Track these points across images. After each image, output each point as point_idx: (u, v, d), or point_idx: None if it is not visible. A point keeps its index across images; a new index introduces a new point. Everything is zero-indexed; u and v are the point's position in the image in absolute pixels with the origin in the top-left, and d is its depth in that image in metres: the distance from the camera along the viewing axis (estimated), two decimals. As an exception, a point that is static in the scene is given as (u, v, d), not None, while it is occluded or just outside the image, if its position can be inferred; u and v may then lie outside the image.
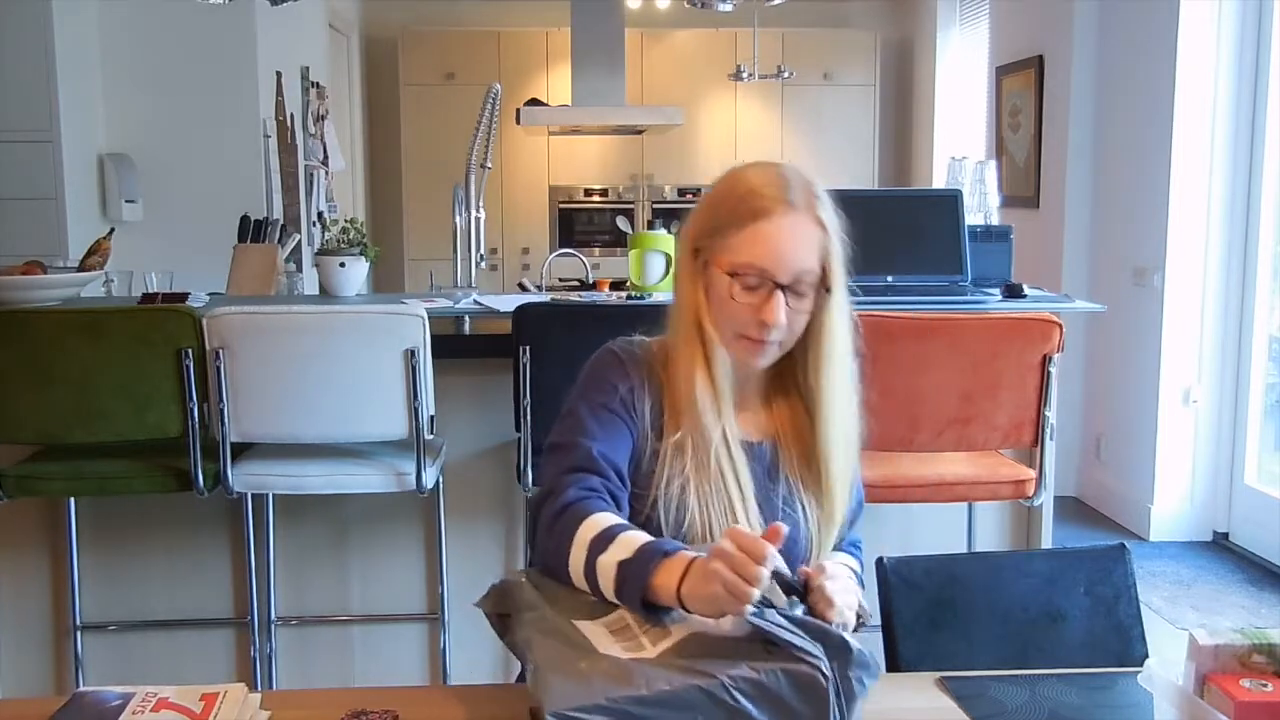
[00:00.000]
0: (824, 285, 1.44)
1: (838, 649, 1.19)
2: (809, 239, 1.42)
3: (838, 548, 1.56)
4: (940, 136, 6.97)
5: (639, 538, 1.30)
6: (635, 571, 1.25)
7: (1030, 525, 3.10)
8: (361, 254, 2.92)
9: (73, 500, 2.81)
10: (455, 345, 2.90)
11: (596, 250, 7.06)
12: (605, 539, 1.30)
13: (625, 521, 1.36)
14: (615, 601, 1.28)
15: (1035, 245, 5.24)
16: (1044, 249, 5.28)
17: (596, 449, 1.42)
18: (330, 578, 2.96)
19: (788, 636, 1.18)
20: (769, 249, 1.41)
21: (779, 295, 1.41)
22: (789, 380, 1.52)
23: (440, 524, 2.81)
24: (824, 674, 1.16)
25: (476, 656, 2.91)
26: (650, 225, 7.07)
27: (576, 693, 1.13)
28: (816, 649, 1.18)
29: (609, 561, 1.28)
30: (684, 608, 1.23)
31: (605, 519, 1.34)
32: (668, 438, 1.45)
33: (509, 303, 2.81)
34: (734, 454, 1.45)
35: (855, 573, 1.53)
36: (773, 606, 1.24)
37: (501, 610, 1.37)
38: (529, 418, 2.54)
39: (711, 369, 1.45)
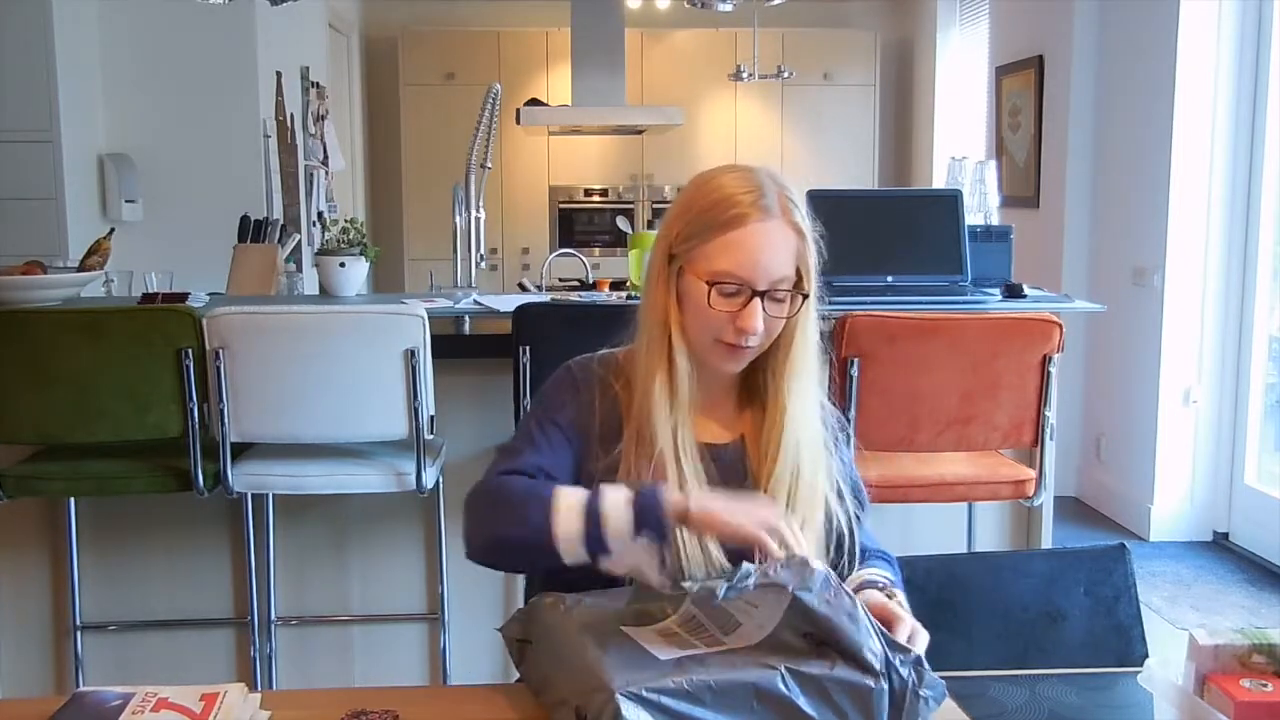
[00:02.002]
0: (799, 290, 1.44)
1: (915, 664, 1.19)
2: (785, 245, 1.42)
3: (864, 559, 1.52)
4: (940, 136, 6.97)
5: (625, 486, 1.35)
6: (648, 498, 1.30)
7: (1030, 525, 3.10)
8: (361, 254, 2.92)
9: (73, 500, 2.80)
10: (455, 345, 2.90)
11: (596, 250, 7.06)
12: (594, 493, 1.33)
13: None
14: (614, 547, 1.30)
15: (1035, 245, 5.24)
16: (1044, 249, 5.27)
17: (537, 460, 1.44)
18: (330, 578, 2.96)
19: (858, 632, 1.18)
20: (746, 257, 1.40)
21: (757, 302, 1.41)
22: (759, 379, 1.51)
23: (440, 524, 2.81)
24: (877, 673, 1.16)
25: (476, 656, 2.90)
26: (650, 225, 7.05)
27: (643, 675, 1.13)
28: (882, 653, 1.18)
29: (616, 500, 1.31)
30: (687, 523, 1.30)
31: (575, 488, 1.36)
32: (621, 445, 1.45)
33: (509, 303, 2.81)
34: (687, 460, 1.44)
35: (890, 580, 1.47)
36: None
37: (524, 636, 1.35)
38: (529, 418, 2.54)
39: (673, 375, 1.45)
